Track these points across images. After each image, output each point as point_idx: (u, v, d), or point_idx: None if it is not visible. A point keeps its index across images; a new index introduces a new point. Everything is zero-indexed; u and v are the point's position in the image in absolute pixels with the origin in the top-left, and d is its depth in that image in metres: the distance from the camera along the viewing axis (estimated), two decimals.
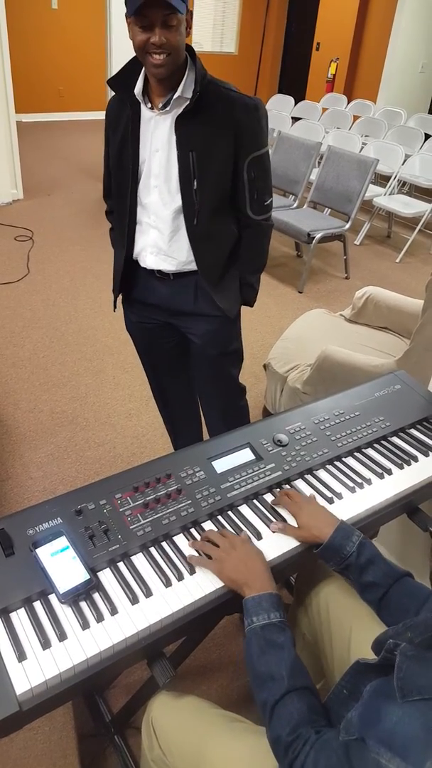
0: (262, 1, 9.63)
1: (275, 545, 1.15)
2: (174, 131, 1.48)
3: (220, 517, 1.20)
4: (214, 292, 1.68)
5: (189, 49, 1.46)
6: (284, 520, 1.19)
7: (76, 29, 8.25)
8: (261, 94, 10.10)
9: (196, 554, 1.11)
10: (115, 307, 1.87)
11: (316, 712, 0.87)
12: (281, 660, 0.91)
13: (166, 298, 1.73)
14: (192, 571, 1.08)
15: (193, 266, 1.64)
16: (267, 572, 1.05)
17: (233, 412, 2.03)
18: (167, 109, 1.47)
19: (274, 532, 1.17)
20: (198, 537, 1.15)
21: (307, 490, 1.29)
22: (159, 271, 1.68)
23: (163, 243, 1.62)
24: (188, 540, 1.15)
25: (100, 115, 7.34)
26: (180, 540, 1.15)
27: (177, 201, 1.56)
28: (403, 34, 6.70)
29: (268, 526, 1.19)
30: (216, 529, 1.17)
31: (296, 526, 1.16)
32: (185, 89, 1.45)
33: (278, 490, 1.28)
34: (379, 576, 1.06)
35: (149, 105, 1.50)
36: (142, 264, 1.69)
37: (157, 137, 1.51)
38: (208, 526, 1.18)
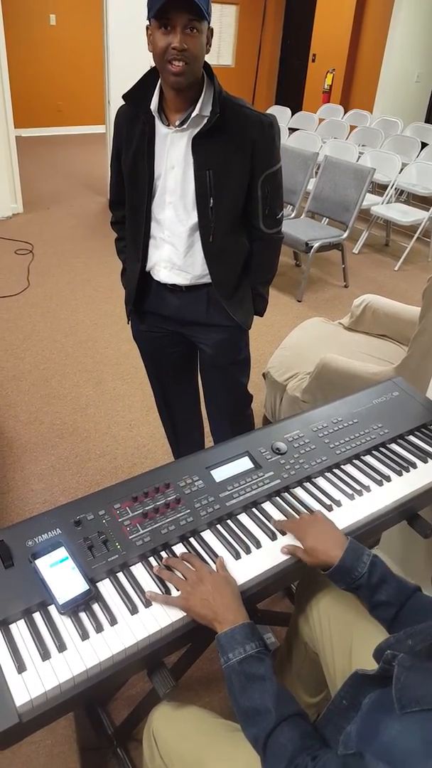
0: (258, 13, 9.74)
1: (274, 554, 1.15)
2: (191, 149, 1.48)
3: (219, 526, 1.20)
4: (228, 305, 1.69)
5: (206, 66, 1.46)
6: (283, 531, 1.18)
7: (74, 45, 8.34)
8: (258, 106, 10.08)
9: (156, 589, 1.06)
10: (128, 319, 1.87)
11: (308, 737, 0.85)
12: (265, 692, 0.89)
13: (178, 310, 1.74)
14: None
15: (207, 279, 1.66)
16: (236, 602, 1.01)
17: (240, 420, 2.04)
18: (185, 126, 1.46)
19: (284, 555, 1.13)
20: (198, 546, 1.15)
21: (307, 498, 1.29)
22: (172, 284, 1.69)
23: (177, 258, 1.63)
24: (187, 549, 1.15)
25: (99, 129, 7.40)
26: (179, 550, 1.15)
27: (193, 218, 1.56)
28: (398, 44, 6.76)
29: (268, 534, 1.18)
30: (218, 533, 1.17)
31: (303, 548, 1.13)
32: (203, 107, 1.44)
33: (278, 498, 1.28)
34: (391, 594, 1.04)
35: (165, 122, 1.49)
36: (156, 277, 1.69)
37: (174, 154, 1.51)
38: (207, 535, 1.18)
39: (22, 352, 3.32)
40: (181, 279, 1.66)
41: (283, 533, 1.19)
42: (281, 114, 7.30)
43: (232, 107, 1.48)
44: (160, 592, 1.05)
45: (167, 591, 1.06)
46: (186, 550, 1.14)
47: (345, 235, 4.34)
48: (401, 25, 6.64)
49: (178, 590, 1.05)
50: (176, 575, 1.07)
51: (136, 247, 1.67)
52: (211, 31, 1.39)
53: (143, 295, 1.76)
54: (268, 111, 7.48)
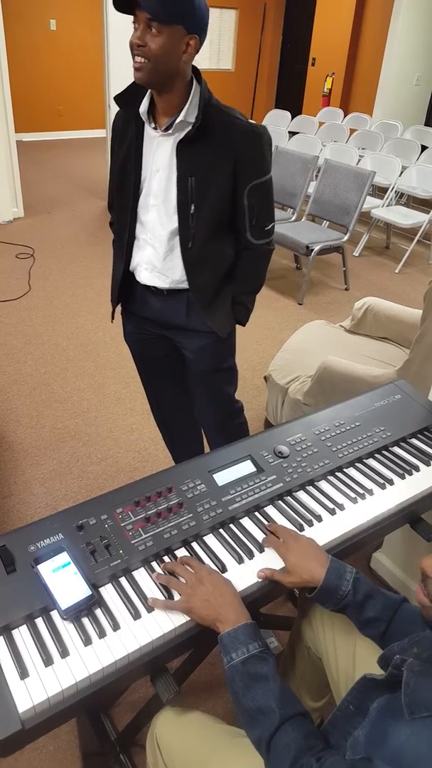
0: (257, 17, 9.77)
1: (277, 558, 1.14)
2: (175, 154, 1.49)
3: (221, 531, 1.20)
4: (205, 312, 1.68)
5: (196, 72, 1.47)
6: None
7: (75, 49, 8.37)
8: (258, 110, 10.21)
9: (159, 594, 1.05)
10: (112, 318, 1.89)
11: (312, 737, 0.85)
12: (268, 691, 0.89)
13: (160, 312, 1.75)
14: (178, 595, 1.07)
15: (187, 285, 1.65)
16: (237, 602, 1.01)
17: (230, 430, 2.00)
18: (170, 131, 1.48)
19: (260, 579, 1.10)
20: (200, 550, 1.15)
21: (310, 502, 1.29)
22: (153, 287, 1.70)
23: (157, 261, 1.64)
24: (189, 554, 1.14)
25: (100, 133, 7.42)
26: (181, 554, 1.14)
27: (174, 222, 1.57)
28: (398, 47, 6.77)
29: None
30: (221, 537, 1.17)
31: (284, 566, 1.11)
32: (188, 113, 1.45)
33: (280, 502, 1.28)
34: (379, 609, 1.03)
35: (153, 124, 1.51)
36: (137, 278, 1.71)
37: (159, 158, 1.53)
38: (209, 539, 1.18)
39: (23, 356, 3.32)
40: (160, 282, 1.67)
41: (262, 550, 1.16)
42: (281, 118, 7.31)
43: (219, 115, 1.48)
44: (162, 598, 1.05)
45: (170, 596, 1.05)
46: (188, 555, 1.14)
47: (345, 238, 4.34)
48: (400, 29, 6.65)
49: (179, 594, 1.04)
50: (175, 579, 1.07)
51: (121, 247, 1.70)
52: (191, 38, 1.36)
53: (130, 296, 1.78)
54: (268, 115, 7.53)
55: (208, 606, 0.99)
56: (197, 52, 1.42)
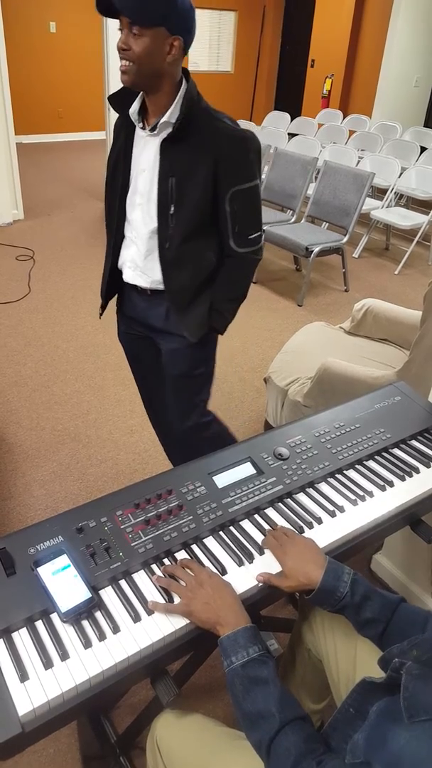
0: (257, 19, 9.78)
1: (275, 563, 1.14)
2: (159, 155, 1.51)
3: (221, 533, 1.20)
4: (178, 314, 1.68)
5: (186, 74, 1.49)
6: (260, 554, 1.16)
7: (74, 52, 8.38)
8: (257, 111, 10.22)
9: (159, 597, 1.05)
10: (100, 314, 1.90)
11: (312, 740, 0.84)
12: (268, 695, 0.88)
13: (142, 312, 1.77)
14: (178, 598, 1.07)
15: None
16: (237, 605, 1.00)
17: (195, 442, 1.92)
18: (155, 132, 1.50)
19: (259, 583, 1.10)
20: (200, 553, 1.15)
21: (310, 504, 1.29)
22: (137, 286, 1.72)
23: (139, 260, 1.66)
24: (189, 556, 1.14)
25: (99, 135, 7.44)
26: (181, 556, 1.14)
27: (154, 222, 1.58)
28: (397, 49, 6.78)
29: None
30: (221, 539, 1.17)
31: (281, 570, 1.10)
32: (172, 114, 1.47)
33: (280, 504, 1.28)
34: (376, 611, 1.03)
35: (142, 125, 1.53)
36: (123, 276, 1.73)
37: (145, 157, 1.55)
38: (209, 542, 1.18)
39: (23, 358, 3.32)
40: (142, 281, 1.69)
41: (262, 553, 1.16)
42: (280, 119, 7.32)
43: (205, 117, 1.48)
44: (162, 601, 1.04)
45: (170, 599, 1.05)
46: (188, 557, 1.14)
47: (345, 239, 4.34)
48: (399, 30, 6.66)
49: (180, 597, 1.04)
50: (175, 582, 1.06)
51: (110, 244, 1.73)
52: (175, 39, 1.37)
53: (121, 295, 1.81)
54: (268, 116, 7.53)
55: (208, 609, 0.99)
56: (185, 52, 1.44)
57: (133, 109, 1.52)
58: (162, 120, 1.47)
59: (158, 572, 1.10)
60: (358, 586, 1.04)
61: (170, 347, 1.76)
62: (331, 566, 1.06)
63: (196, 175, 1.50)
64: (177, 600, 1.04)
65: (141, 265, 1.66)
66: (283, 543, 1.13)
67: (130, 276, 1.71)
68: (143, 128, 1.53)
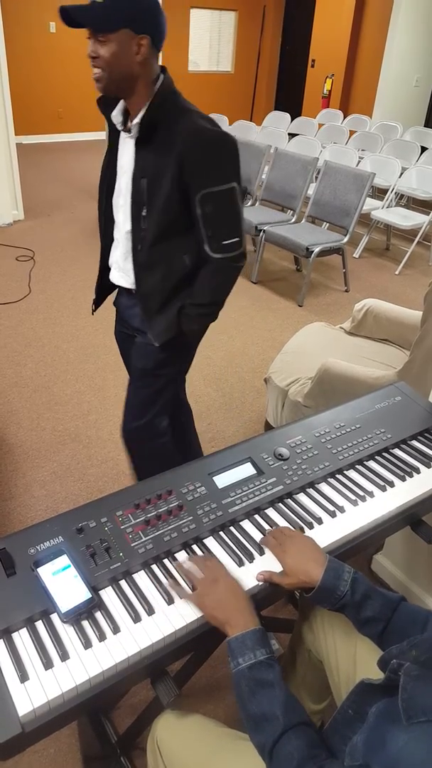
0: (257, 19, 9.79)
1: (277, 561, 1.14)
2: (134, 156, 1.51)
3: (221, 533, 1.20)
4: (146, 316, 1.67)
5: (164, 71, 1.48)
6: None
7: (74, 52, 8.37)
8: (257, 111, 10.22)
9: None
10: (92, 311, 1.93)
11: (315, 746, 0.85)
12: (273, 698, 0.89)
13: (125, 311, 1.80)
14: (194, 589, 1.07)
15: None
16: (249, 607, 1.01)
17: (135, 448, 1.89)
18: (131, 133, 1.49)
19: (259, 582, 1.10)
20: (200, 553, 1.15)
21: (310, 505, 1.29)
22: (119, 286, 1.74)
23: (121, 260, 1.68)
24: (190, 556, 1.14)
25: (99, 135, 7.43)
26: (182, 557, 1.14)
27: (130, 224, 1.59)
28: (397, 48, 6.78)
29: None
30: (221, 540, 1.17)
31: (282, 569, 1.10)
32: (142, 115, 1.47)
33: (280, 504, 1.28)
34: (377, 610, 1.02)
35: (122, 126, 1.53)
36: (110, 276, 1.76)
37: (125, 159, 1.55)
38: (210, 542, 1.18)
39: (23, 359, 3.32)
40: (124, 281, 1.70)
41: (262, 553, 1.16)
42: (281, 119, 7.32)
43: (177, 117, 1.45)
44: (165, 600, 1.05)
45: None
46: (194, 555, 1.14)
47: (345, 239, 4.34)
48: (400, 30, 6.66)
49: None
50: (193, 573, 1.08)
51: (102, 245, 1.76)
52: (142, 38, 1.36)
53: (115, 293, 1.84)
54: (268, 116, 7.52)
55: (219, 607, 1.00)
56: (158, 48, 1.42)
57: (116, 111, 1.52)
58: (135, 121, 1.47)
59: (158, 572, 1.10)
60: (358, 585, 1.04)
61: (141, 341, 1.77)
62: (332, 564, 1.06)
63: (164, 176, 1.47)
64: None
65: (122, 265, 1.68)
66: (282, 542, 1.13)
67: (115, 277, 1.73)
68: (123, 130, 1.53)
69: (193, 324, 1.67)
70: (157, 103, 1.45)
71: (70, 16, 1.33)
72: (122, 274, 1.70)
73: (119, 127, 1.53)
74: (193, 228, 1.54)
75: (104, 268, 1.79)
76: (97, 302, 1.89)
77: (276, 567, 1.12)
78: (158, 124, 1.45)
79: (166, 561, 1.13)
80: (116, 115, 1.53)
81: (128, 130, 1.51)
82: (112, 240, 1.72)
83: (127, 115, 1.54)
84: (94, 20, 1.33)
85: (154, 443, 1.88)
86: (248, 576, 1.11)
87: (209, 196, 1.48)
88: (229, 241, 1.55)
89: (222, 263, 1.58)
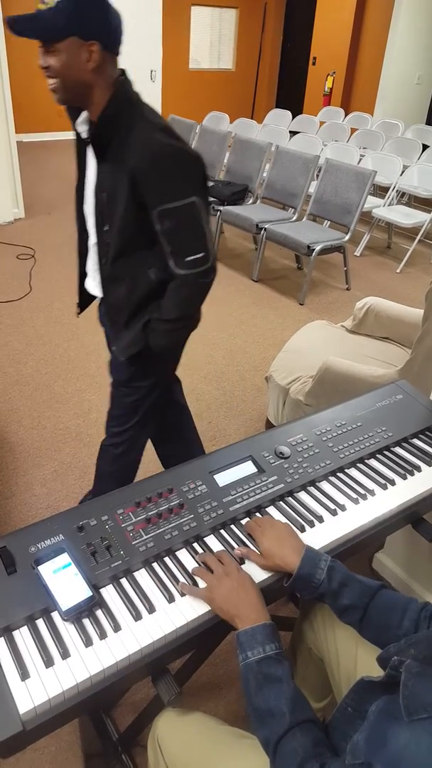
0: (258, 17, 9.77)
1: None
2: (96, 168, 1.48)
3: (222, 531, 1.20)
4: (114, 330, 1.67)
5: (123, 75, 1.42)
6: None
7: None
8: (258, 109, 10.21)
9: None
10: (77, 313, 1.89)
11: (320, 744, 0.85)
12: (281, 694, 0.89)
13: (102, 317, 1.79)
14: (196, 586, 1.07)
15: None
16: (260, 602, 1.01)
17: (101, 454, 1.91)
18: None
19: (236, 556, 1.13)
20: (200, 551, 1.15)
21: (311, 503, 1.29)
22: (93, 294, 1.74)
23: (92, 270, 1.67)
24: (191, 555, 1.14)
25: None
26: (183, 555, 1.14)
27: (95, 236, 1.57)
28: (399, 46, 6.77)
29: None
30: (222, 538, 1.17)
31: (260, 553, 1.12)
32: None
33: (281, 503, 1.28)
34: (355, 597, 1.03)
35: (86, 135, 1.48)
36: (85, 284, 1.75)
37: (90, 170, 1.53)
38: (210, 540, 1.18)
39: (24, 357, 3.32)
40: (96, 291, 1.70)
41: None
42: (282, 117, 7.31)
43: (131, 128, 1.38)
44: (166, 598, 1.05)
45: (194, 584, 1.07)
46: (189, 556, 1.14)
47: (347, 237, 4.34)
48: (401, 27, 6.65)
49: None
50: (203, 569, 1.08)
51: (78, 251, 1.73)
52: (92, 45, 1.31)
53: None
54: (269, 114, 7.51)
55: (229, 600, 1.01)
56: (114, 53, 1.37)
57: (80, 119, 1.46)
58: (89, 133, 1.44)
59: (159, 570, 1.10)
60: (335, 573, 1.05)
61: (114, 354, 1.77)
62: (309, 553, 1.08)
63: (120, 191, 1.42)
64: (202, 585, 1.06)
65: (93, 275, 1.67)
66: (261, 525, 1.16)
67: (90, 285, 1.72)
68: (86, 140, 1.48)
69: (160, 339, 1.60)
70: (108, 114, 1.38)
71: (17, 28, 1.28)
72: (95, 284, 1.69)
73: (83, 135, 1.47)
74: (157, 243, 1.48)
75: (82, 274, 1.78)
76: (82, 305, 1.86)
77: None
78: (113, 135, 1.39)
79: (167, 559, 1.13)
80: (80, 124, 1.46)
81: (89, 141, 1.46)
82: (87, 248, 1.69)
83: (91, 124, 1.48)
84: (38, 31, 1.28)
85: (116, 451, 1.87)
86: (250, 574, 1.11)
87: (167, 212, 1.41)
88: (193, 257, 1.47)
89: (188, 279, 1.50)
